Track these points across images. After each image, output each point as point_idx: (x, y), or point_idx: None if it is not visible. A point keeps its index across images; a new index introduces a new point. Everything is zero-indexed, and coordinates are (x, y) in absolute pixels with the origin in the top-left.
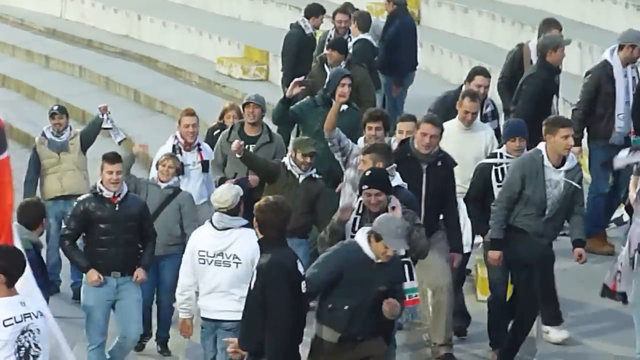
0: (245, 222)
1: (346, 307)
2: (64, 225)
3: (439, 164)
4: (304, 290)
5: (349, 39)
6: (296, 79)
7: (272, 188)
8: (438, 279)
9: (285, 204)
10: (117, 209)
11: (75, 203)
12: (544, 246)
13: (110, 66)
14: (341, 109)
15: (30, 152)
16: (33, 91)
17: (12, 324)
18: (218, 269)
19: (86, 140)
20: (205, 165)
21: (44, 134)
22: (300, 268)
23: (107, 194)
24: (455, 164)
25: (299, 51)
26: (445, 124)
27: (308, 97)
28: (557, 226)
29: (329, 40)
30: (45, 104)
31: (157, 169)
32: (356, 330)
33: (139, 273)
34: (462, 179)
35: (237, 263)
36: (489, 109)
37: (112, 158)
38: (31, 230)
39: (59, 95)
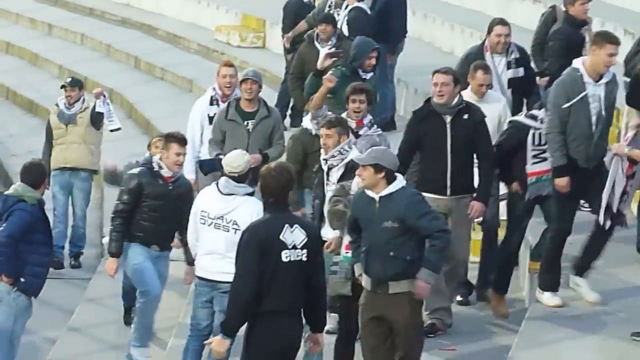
0: (250, 190)
1: (363, 249)
2: (116, 200)
3: (465, 116)
4: (284, 259)
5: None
6: (327, 51)
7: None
8: (455, 252)
9: (286, 170)
10: (170, 187)
11: (128, 176)
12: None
13: (112, 34)
14: (368, 77)
15: (32, 118)
16: (36, 58)
17: None
18: (217, 232)
19: (96, 117)
20: None
21: (57, 104)
22: (288, 236)
23: (165, 172)
24: (484, 116)
25: (297, 19)
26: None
27: (333, 69)
28: (603, 147)
29: (329, 7)
30: (48, 71)
31: (150, 150)
32: (375, 271)
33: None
34: None
35: (235, 229)
36: (512, 56)
37: (181, 139)
38: (35, 189)
39: (61, 62)
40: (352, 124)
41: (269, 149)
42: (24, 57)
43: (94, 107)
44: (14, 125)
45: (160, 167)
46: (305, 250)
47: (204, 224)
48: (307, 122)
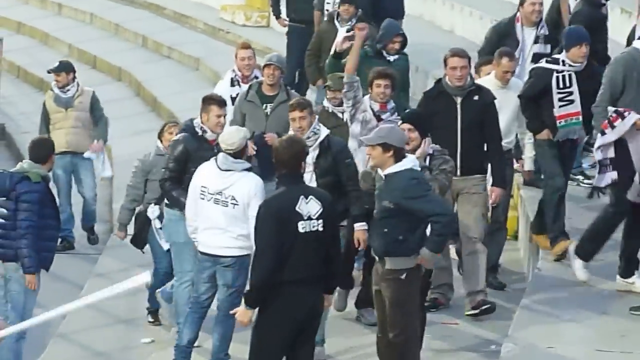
0: (247, 165)
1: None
2: (162, 168)
3: (475, 97)
4: (301, 230)
5: None
6: (345, 34)
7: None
8: (470, 231)
9: (297, 142)
10: (215, 151)
11: (172, 143)
12: None
13: (120, 13)
14: (392, 59)
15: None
16: (46, 37)
17: None
18: (216, 207)
19: (96, 104)
20: None
21: (52, 89)
22: (304, 207)
23: (210, 136)
24: (494, 98)
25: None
26: (482, 81)
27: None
28: None
29: None
30: (58, 50)
31: (162, 138)
32: (374, 245)
33: None
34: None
35: (234, 204)
36: (542, 32)
37: (220, 101)
38: (41, 165)
39: (71, 41)
40: (376, 106)
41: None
42: (34, 37)
43: (92, 95)
44: (25, 103)
45: (204, 131)
46: (321, 221)
47: (203, 199)
48: (326, 103)
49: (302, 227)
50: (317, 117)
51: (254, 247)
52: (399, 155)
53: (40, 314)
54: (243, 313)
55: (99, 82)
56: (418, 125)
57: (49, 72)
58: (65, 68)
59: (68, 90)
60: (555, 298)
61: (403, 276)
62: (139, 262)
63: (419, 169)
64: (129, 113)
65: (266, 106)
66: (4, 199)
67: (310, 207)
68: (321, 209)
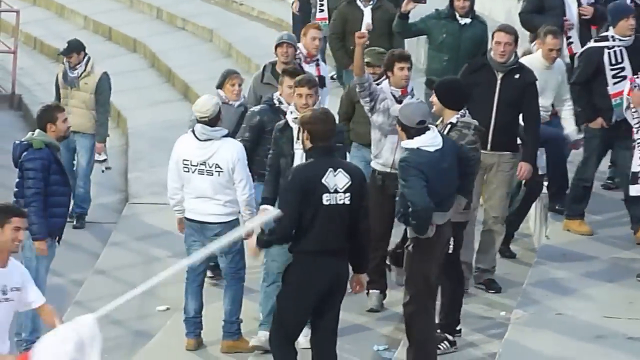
0: (225, 132)
1: None
2: (237, 137)
3: (517, 76)
4: (325, 202)
5: None
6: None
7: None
8: (494, 209)
9: (330, 114)
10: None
11: (249, 114)
12: None
13: None
14: (464, 23)
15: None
16: (62, 9)
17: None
18: (202, 177)
19: (102, 87)
20: (321, 81)
21: (64, 63)
22: (330, 180)
23: (285, 107)
24: (536, 79)
25: None
26: (527, 59)
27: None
28: None
29: None
30: (73, 21)
31: (224, 88)
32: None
33: None
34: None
35: (218, 172)
36: None
37: (292, 72)
38: (45, 132)
39: (86, 13)
40: (397, 92)
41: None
42: (50, 9)
43: (101, 78)
44: (42, 75)
45: (280, 103)
46: (348, 194)
47: (187, 171)
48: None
49: (326, 199)
50: (320, 97)
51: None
52: (410, 132)
53: (56, 281)
54: (253, 250)
55: (114, 53)
56: (442, 94)
57: (59, 54)
58: (75, 49)
59: (76, 69)
60: (564, 267)
61: (410, 247)
62: (154, 232)
63: (434, 148)
64: (144, 84)
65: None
66: (18, 169)
67: (337, 180)
68: (349, 183)
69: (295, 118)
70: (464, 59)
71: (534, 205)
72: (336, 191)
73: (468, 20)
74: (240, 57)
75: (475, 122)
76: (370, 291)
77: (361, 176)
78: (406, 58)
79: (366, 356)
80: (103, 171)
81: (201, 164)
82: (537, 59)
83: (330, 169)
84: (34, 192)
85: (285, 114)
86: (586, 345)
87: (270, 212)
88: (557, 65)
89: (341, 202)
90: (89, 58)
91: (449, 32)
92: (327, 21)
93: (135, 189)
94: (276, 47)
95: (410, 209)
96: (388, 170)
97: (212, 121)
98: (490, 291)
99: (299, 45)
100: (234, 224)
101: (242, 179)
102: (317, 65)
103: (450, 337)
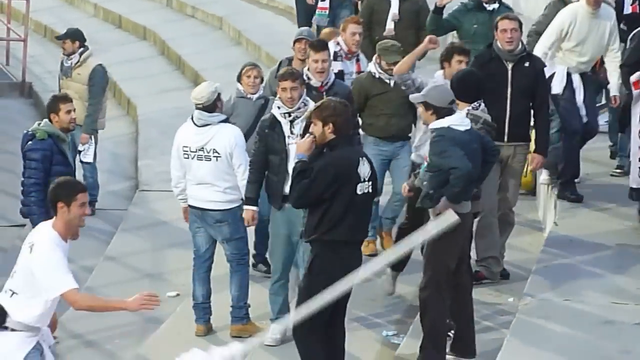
0: (222, 117)
1: None
2: (245, 113)
3: (526, 64)
4: (359, 192)
5: None
6: None
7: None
8: (508, 200)
9: (347, 105)
10: (325, 96)
11: None
12: None
13: None
14: (492, 9)
15: None
16: None
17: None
18: (200, 163)
19: (96, 78)
20: None
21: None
22: (362, 170)
23: (315, 82)
24: (544, 65)
25: None
26: (571, 8)
27: (461, 3)
28: None
29: None
30: (83, 9)
31: (241, 81)
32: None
33: None
34: (586, 65)
35: (216, 157)
36: None
37: (317, 45)
38: (51, 122)
39: (96, 1)
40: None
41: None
42: None
43: (94, 69)
44: (52, 63)
45: (309, 78)
46: (370, 182)
47: (187, 157)
48: (371, 65)
49: (360, 189)
50: (305, 88)
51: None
52: (440, 113)
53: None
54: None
55: (124, 41)
56: (454, 86)
57: (56, 38)
58: (70, 36)
59: (70, 59)
60: (572, 253)
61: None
62: (164, 218)
63: (463, 128)
64: (154, 72)
65: None
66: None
67: (364, 168)
68: (370, 171)
69: (284, 113)
70: None
71: (543, 192)
72: (364, 180)
73: (496, 6)
74: (250, 45)
75: (487, 116)
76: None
77: (371, 164)
78: (466, 52)
79: (375, 342)
80: (81, 162)
81: (199, 150)
82: (581, 6)
83: (360, 158)
84: (33, 182)
85: (315, 89)
86: (594, 331)
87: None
88: (603, 11)
89: (367, 190)
90: (85, 49)
91: (479, 22)
92: (327, 11)
93: (146, 176)
94: (294, 42)
95: (452, 176)
96: None
97: (209, 107)
98: (499, 278)
99: (339, 40)
100: (234, 211)
101: (240, 164)
102: (358, 61)
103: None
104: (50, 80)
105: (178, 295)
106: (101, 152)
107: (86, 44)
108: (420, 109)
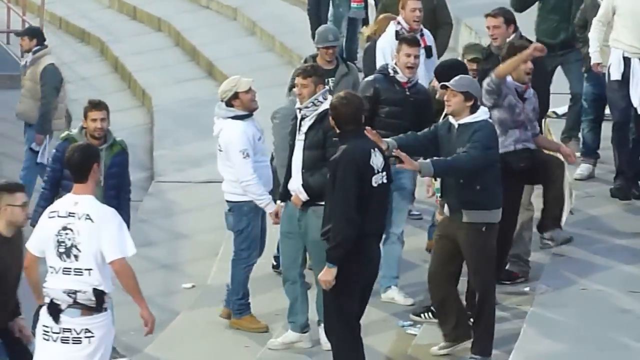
0: (232, 114)
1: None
2: None
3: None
4: (374, 184)
5: None
6: None
7: None
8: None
9: (355, 97)
10: (407, 93)
11: (364, 84)
12: None
13: None
14: None
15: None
16: None
17: (55, 217)
18: (218, 153)
19: (47, 77)
20: (428, 51)
21: None
22: (375, 161)
23: (401, 77)
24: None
25: None
26: None
27: None
28: None
29: None
30: (98, 1)
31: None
32: (449, 198)
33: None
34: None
35: (219, 150)
36: None
37: (411, 40)
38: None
39: None
40: (521, 88)
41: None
42: None
43: (45, 68)
44: (67, 53)
45: (396, 72)
46: (384, 173)
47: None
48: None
49: (375, 180)
50: (324, 88)
51: (333, 199)
52: (475, 107)
53: None
54: (327, 272)
55: (139, 32)
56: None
57: (15, 34)
58: (27, 33)
59: (25, 57)
60: (588, 242)
61: (484, 228)
62: (179, 209)
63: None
64: (169, 62)
65: (327, 81)
66: None
67: (377, 159)
68: (384, 162)
69: (299, 108)
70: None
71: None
72: (378, 171)
73: None
74: (265, 35)
75: None
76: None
77: (382, 152)
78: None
79: (391, 332)
80: (37, 164)
81: (217, 137)
82: None
83: (372, 150)
84: (44, 180)
85: (399, 84)
86: (611, 320)
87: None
88: None
89: (382, 181)
90: (41, 48)
91: None
92: (362, 3)
93: (161, 167)
94: (321, 48)
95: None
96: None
97: (226, 102)
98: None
99: (399, 19)
100: (239, 205)
101: (233, 164)
102: (422, 35)
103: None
104: (66, 71)
105: (193, 286)
106: None
107: (45, 42)
108: (454, 99)
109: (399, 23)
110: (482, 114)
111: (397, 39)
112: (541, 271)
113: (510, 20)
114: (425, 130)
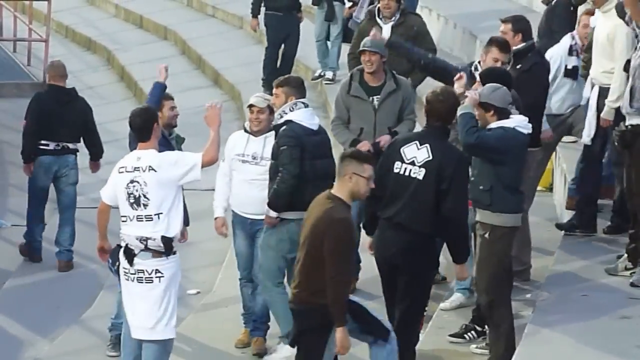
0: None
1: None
2: None
3: (518, 66)
4: (395, 170)
5: None
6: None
7: None
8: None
9: (450, 95)
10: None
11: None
12: None
13: None
14: None
15: (90, 55)
16: None
17: (123, 172)
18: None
19: None
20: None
21: None
22: (410, 150)
23: None
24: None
25: None
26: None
27: None
28: None
29: None
30: (105, 10)
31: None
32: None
33: None
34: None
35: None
36: None
37: (503, 45)
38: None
39: (117, 2)
40: None
41: (398, 126)
42: None
43: None
44: (74, 62)
45: (477, 70)
46: (423, 170)
47: None
48: None
49: (396, 167)
50: (296, 100)
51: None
52: (501, 114)
53: (88, 266)
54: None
55: (145, 41)
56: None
57: None
58: None
59: None
60: (589, 248)
61: (487, 234)
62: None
63: (526, 131)
64: (175, 71)
65: (372, 99)
66: None
67: (419, 153)
68: (429, 159)
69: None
70: None
71: (559, 185)
72: (412, 163)
73: None
74: None
75: None
76: None
77: (450, 158)
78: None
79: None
80: None
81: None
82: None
83: (417, 142)
84: None
85: None
86: (611, 327)
87: None
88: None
89: (414, 175)
90: None
91: None
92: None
93: None
94: (360, 53)
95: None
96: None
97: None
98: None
99: (574, 34)
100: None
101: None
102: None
103: (478, 328)
104: (72, 80)
105: (198, 293)
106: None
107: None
108: (478, 112)
109: (573, 38)
110: (510, 122)
111: (569, 54)
112: (541, 276)
113: (519, 30)
114: None
